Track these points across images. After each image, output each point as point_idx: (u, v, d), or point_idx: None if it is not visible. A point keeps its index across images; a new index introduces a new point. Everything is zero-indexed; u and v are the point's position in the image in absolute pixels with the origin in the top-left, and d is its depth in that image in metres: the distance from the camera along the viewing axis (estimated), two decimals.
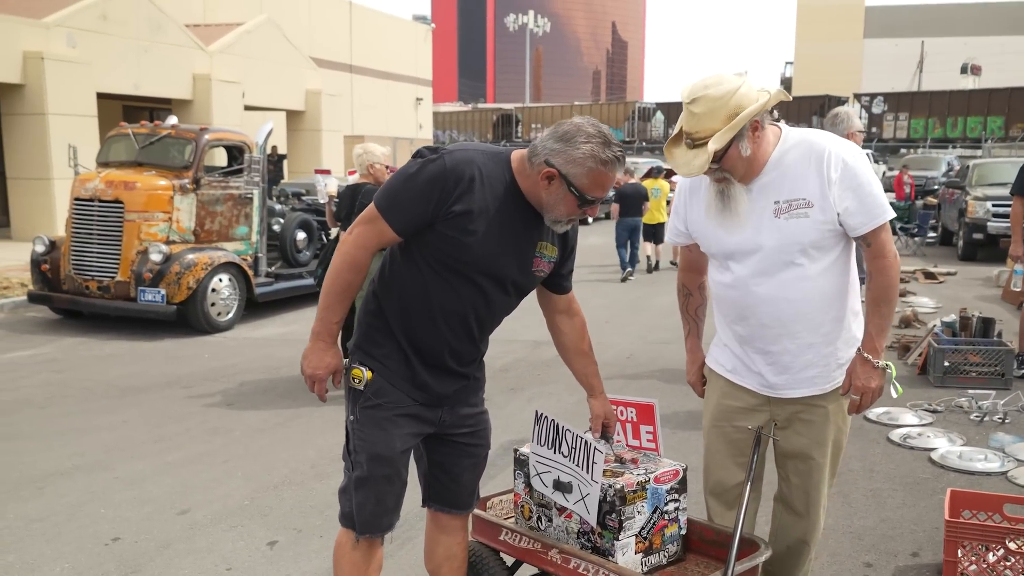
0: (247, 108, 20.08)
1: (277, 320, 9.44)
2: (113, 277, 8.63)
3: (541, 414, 2.66)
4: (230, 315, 8.95)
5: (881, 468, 4.70)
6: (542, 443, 2.65)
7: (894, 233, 15.22)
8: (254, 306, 9.46)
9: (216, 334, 8.62)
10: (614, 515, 2.55)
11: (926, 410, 5.65)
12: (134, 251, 8.59)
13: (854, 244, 2.60)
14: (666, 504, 2.67)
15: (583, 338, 2.77)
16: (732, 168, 2.45)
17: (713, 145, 2.35)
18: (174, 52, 18.05)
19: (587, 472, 2.48)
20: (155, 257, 8.45)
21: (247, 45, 20.60)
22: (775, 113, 2.60)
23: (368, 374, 2.48)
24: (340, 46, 28.00)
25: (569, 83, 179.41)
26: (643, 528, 2.61)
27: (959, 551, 3.17)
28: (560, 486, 2.60)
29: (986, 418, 5.47)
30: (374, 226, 2.40)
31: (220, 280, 8.79)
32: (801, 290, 2.50)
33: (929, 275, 11.90)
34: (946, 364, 6.23)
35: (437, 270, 2.43)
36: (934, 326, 7.05)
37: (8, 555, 3.71)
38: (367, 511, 2.51)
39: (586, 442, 2.49)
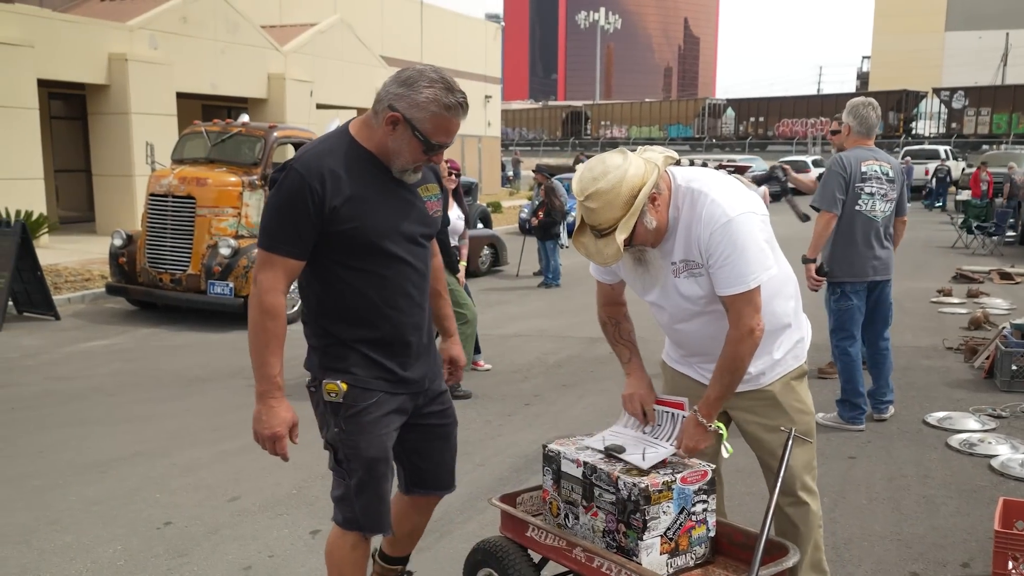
0: (319, 106, 20.47)
1: None
2: (185, 270, 8.91)
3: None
4: (295, 308, 9.11)
5: (936, 474, 4.55)
6: (626, 424, 2.85)
7: (970, 232, 14.86)
8: None
9: None
10: (638, 514, 2.53)
11: (990, 415, 5.45)
12: (204, 245, 8.85)
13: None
14: (693, 505, 2.64)
15: (438, 279, 2.82)
16: (643, 242, 2.51)
17: (621, 235, 2.39)
18: (250, 52, 18.51)
19: (667, 440, 2.72)
20: (224, 251, 8.70)
21: (320, 45, 20.99)
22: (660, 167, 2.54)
23: (343, 385, 2.48)
24: (411, 45, 28.30)
25: (640, 80, 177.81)
26: (669, 529, 2.59)
27: (1009, 563, 3.06)
28: (614, 449, 2.69)
29: None
30: (273, 267, 2.38)
31: None
32: (719, 327, 2.56)
33: (1005, 275, 11.44)
34: (1014, 368, 5.99)
35: (355, 266, 2.44)
36: (1003, 328, 6.79)
37: (66, 535, 3.89)
38: (374, 512, 2.56)
39: (672, 414, 2.73)
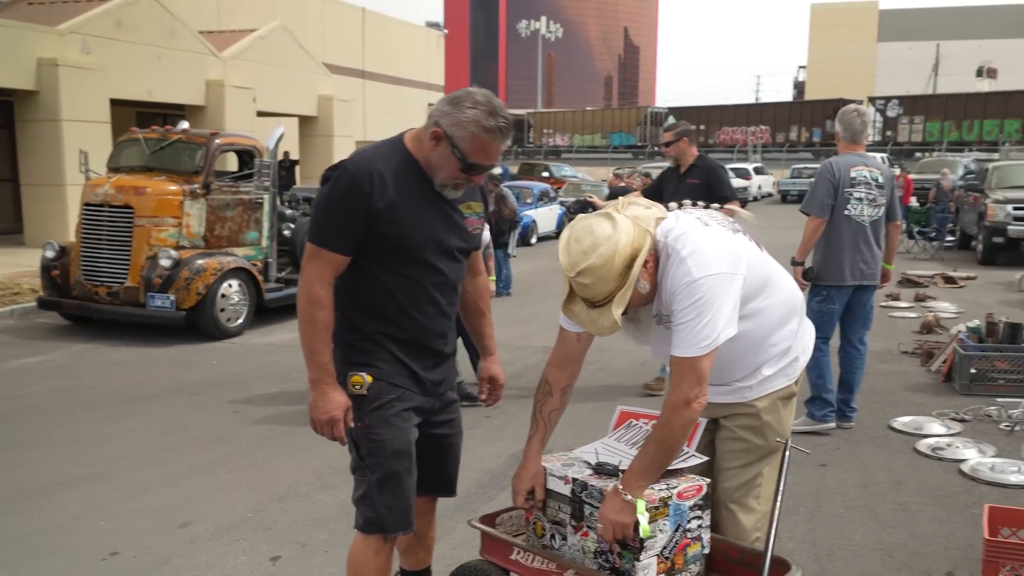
0: (259, 114, 20.07)
1: (287, 326, 9.32)
2: (122, 283, 8.55)
3: (631, 422, 2.72)
4: (240, 321, 8.85)
5: (909, 480, 4.51)
6: (620, 439, 2.70)
7: (911, 237, 15.20)
8: (264, 312, 9.35)
9: (225, 340, 8.52)
10: (634, 533, 2.39)
11: (953, 419, 5.46)
12: (144, 256, 8.51)
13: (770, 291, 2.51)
14: (689, 522, 2.52)
15: (483, 297, 2.87)
16: (636, 306, 2.41)
17: (618, 309, 2.28)
18: (187, 58, 18.05)
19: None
20: (164, 263, 8.36)
21: (260, 51, 20.59)
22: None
23: (368, 378, 2.52)
24: (353, 52, 27.99)
25: (581, 88, 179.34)
26: (665, 547, 2.46)
27: (1000, 573, 3.00)
28: (605, 468, 2.53)
29: (1016, 428, 5.27)
30: (320, 259, 2.47)
31: (230, 286, 8.69)
32: (718, 360, 2.45)
33: (949, 279, 11.68)
34: (972, 371, 6.03)
35: (390, 268, 2.50)
36: (959, 332, 6.86)
37: (2, 571, 3.59)
38: (397, 509, 2.55)
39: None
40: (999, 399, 5.73)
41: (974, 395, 5.97)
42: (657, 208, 2.43)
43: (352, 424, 2.52)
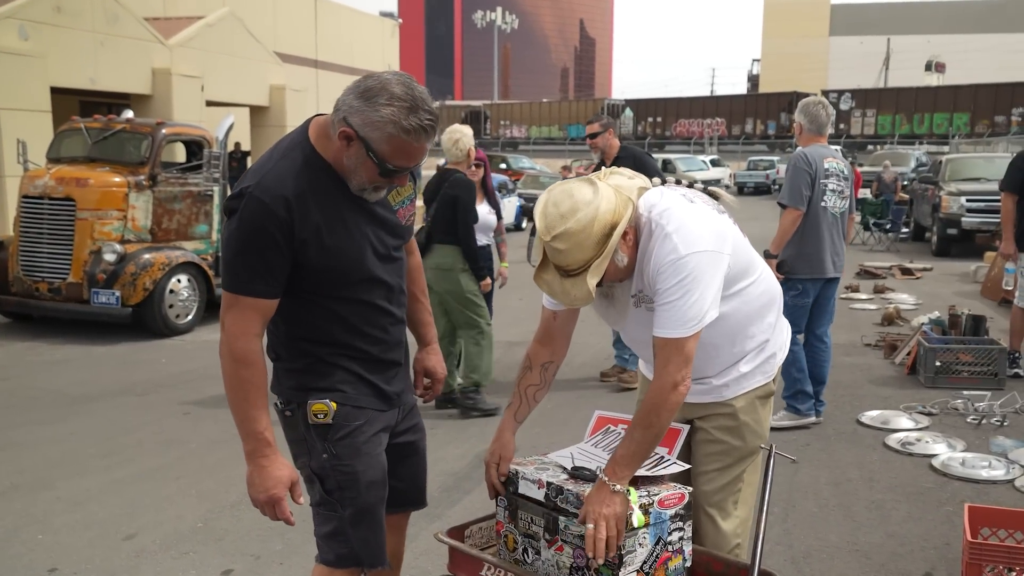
0: (208, 103, 19.56)
1: None
2: (65, 278, 8.20)
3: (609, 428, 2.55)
4: (189, 317, 8.55)
5: (881, 477, 4.44)
6: (597, 445, 2.52)
7: (867, 229, 15.34)
8: (214, 307, 9.02)
9: (174, 337, 8.21)
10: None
11: (920, 412, 5.42)
12: (87, 251, 8.16)
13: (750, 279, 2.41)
14: (670, 533, 2.37)
15: (415, 281, 2.56)
16: (612, 279, 2.29)
17: (593, 279, 2.15)
18: (132, 45, 17.49)
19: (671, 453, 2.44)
20: (109, 257, 8.03)
21: (208, 39, 20.04)
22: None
23: (332, 404, 2.23)
24: (305, 41, 27.45)
25: (537, 80, 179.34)
26: (645, 562, 2.31)
27: (983, 574, 2.91)
28: (582, 473, 2.35)
29: (984, 421, 5.24)
30: (241, 308, 2.11)
31: (179, 281, 8.38)
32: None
33: (906, 271, 11.77)
34: (937, 364, 6.00)
35: (331, 294, 2.21)
36: (922, 324, 6.85)
37: None
38: (373, 543, 2.33)
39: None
40: (965, 391, 5.72)
41: (939, 387, 5.94)
42: (640, 179, 2.30)
43: (298, 501, 2.22)
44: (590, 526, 2.17)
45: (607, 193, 2.17)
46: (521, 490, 2.42)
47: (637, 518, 2.23)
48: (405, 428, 2.50)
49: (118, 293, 7.97)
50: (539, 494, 2.38)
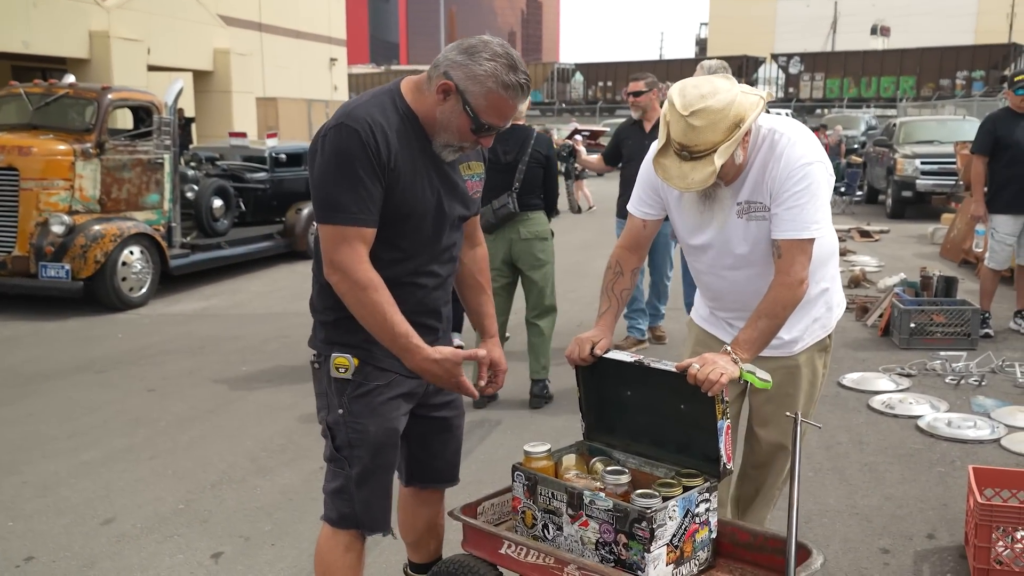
0: (151, 68, 18.86)
1: (195, 294, 8.74)
2: (10, 252, 7.80)
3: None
4: (143, 290, 8.23)
5: (870, 439, 4.44)
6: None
7: None
8: (169, 280, 8.74)
9: (129, 311, 7.90)
10: (645, 523, 2.16)
11: (900, 374, 5.45)
12: (32, 223, 7.76)
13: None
14: (697, 505, 2.30)
15: (482, 271, 2.55)
16: (725, 176, 2.38)
17: (720, 160, 2.24)
18: (67, 7, 16.74)
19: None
20: (57, 229, 7.66)
21: (149, 1, 19.27)
22: None
23: (355, 360, 2.24)
24: (248, 3, 26.59)
25: None
26: (675, 535, 2.24)
27: (993, 535, 2.91)
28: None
29: (962, 381, 5.29)
30: (352, 241, 2.10)
31: (131, 252, 8.05)
32: (763, 284, 2.45)
33: (864, 233, 11.90)
34: (912, 325, 6.05)
35: (383, 235, 2.17)
36: (892, 286, 6.90)
37: None
38: (376, 507, 2.32)
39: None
40: (941, 352, 5.77)
41: (913, 349, 5.99)
42: (764, 91, 2.42)
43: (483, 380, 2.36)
44: (696, 366, 2.22)
45: (740, 87, 2.30)
46: (611, 355, 2.43)
47: (764, 381, 2.27)
48: (440, 403, 2.47)
49: (68, 266, 7.62)
50: (630, 358, 2.40)
